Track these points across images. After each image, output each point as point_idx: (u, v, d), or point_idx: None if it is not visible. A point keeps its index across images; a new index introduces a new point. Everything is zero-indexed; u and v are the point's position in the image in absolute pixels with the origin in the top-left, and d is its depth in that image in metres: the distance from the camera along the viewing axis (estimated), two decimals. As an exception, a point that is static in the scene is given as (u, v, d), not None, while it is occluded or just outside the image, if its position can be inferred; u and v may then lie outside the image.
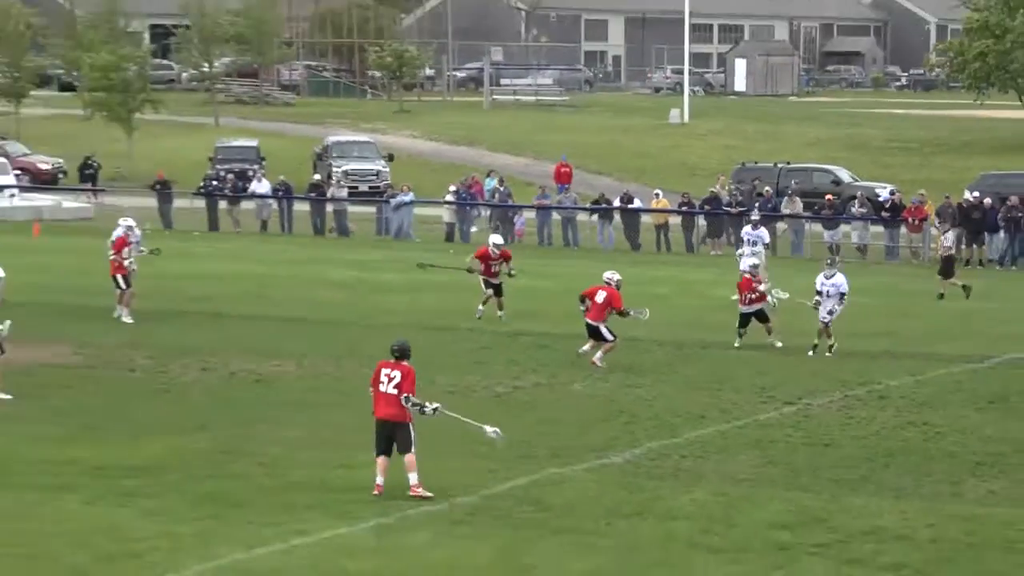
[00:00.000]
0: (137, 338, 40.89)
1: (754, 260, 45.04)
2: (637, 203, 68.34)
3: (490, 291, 44.48)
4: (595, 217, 68.43)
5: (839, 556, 23.53)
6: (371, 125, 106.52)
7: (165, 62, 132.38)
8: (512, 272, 44.70)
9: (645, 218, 67.67)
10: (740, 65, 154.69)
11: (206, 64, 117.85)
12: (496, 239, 46.51)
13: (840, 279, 40.17)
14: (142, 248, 46.46)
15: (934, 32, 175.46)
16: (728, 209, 65.06)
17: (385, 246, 65.27)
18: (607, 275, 38.86)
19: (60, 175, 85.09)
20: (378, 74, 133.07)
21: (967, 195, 63.79)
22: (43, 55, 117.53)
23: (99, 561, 22.86)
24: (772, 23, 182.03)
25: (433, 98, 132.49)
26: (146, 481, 27.06)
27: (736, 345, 40.59)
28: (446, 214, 69.19)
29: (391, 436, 26.17)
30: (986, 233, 62.22)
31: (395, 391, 26.13)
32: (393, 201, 70.16)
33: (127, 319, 43.40)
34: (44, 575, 22.26)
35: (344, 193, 73.16)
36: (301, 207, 71.15)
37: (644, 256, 63.60)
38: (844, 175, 73.93)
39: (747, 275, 41.49)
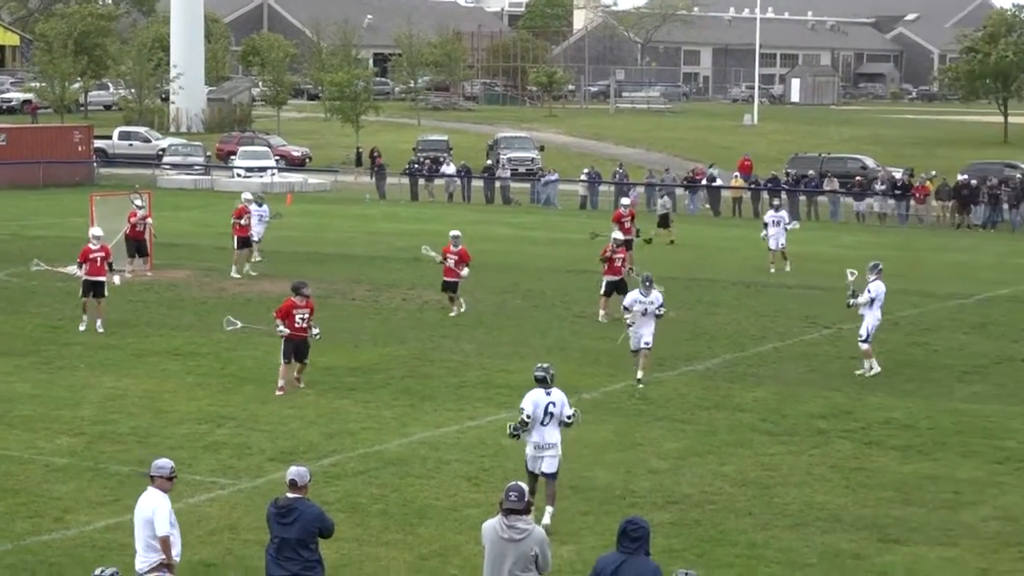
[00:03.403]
0: (357, 275, 40.92)
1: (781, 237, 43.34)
2: (719, 182, 67.57)
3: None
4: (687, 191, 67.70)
5: (861, 439, 23.40)
6: (528, 125, 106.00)
7: (383, 79, 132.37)
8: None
9: (724, 192, 67.01)
10: (795, 83, 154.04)
11: (412, 81, 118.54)
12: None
13: (656, 295, 27.23)
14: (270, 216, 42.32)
15: (936, 59, 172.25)
16: (784, 187, 64.17)
17: (536, 212, 65.07)
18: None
19: (307, 159, 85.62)
20: (534, 88, 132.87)
21: (959, 177, 62.74)
22: (297, 75, 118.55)
23: (326, 437, 22.88)
24: (819, 52, 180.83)
25: (573, 106, 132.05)
26: (361, 379, 27.08)
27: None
28: (581, 189, 68.91)
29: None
30: (972, 205, 61.29)
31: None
32: (543, 179, 70.12)
33: (235, 275, 40.02)
34: (286, 446, 22.24)
35: (508, 174, 72.88)
36: (477, 183, 70.87)
37: (723, 220, 63.05)
38: (870, 162, 72.97)
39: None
